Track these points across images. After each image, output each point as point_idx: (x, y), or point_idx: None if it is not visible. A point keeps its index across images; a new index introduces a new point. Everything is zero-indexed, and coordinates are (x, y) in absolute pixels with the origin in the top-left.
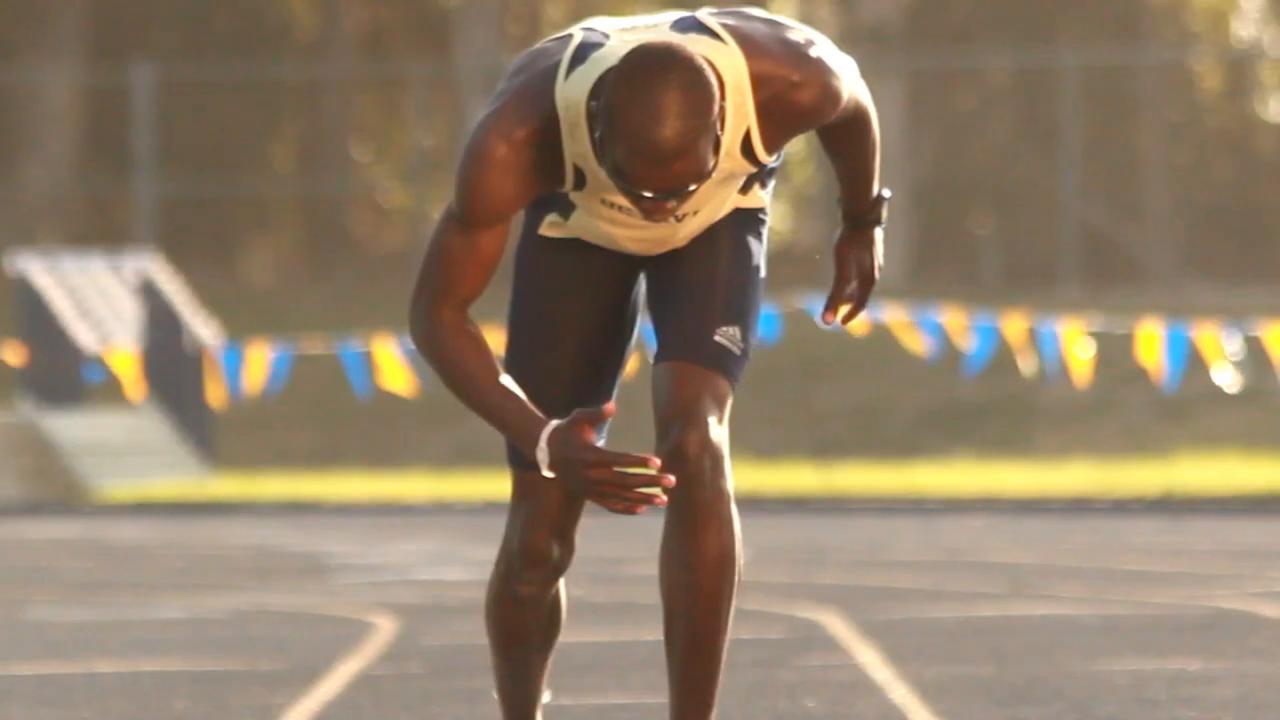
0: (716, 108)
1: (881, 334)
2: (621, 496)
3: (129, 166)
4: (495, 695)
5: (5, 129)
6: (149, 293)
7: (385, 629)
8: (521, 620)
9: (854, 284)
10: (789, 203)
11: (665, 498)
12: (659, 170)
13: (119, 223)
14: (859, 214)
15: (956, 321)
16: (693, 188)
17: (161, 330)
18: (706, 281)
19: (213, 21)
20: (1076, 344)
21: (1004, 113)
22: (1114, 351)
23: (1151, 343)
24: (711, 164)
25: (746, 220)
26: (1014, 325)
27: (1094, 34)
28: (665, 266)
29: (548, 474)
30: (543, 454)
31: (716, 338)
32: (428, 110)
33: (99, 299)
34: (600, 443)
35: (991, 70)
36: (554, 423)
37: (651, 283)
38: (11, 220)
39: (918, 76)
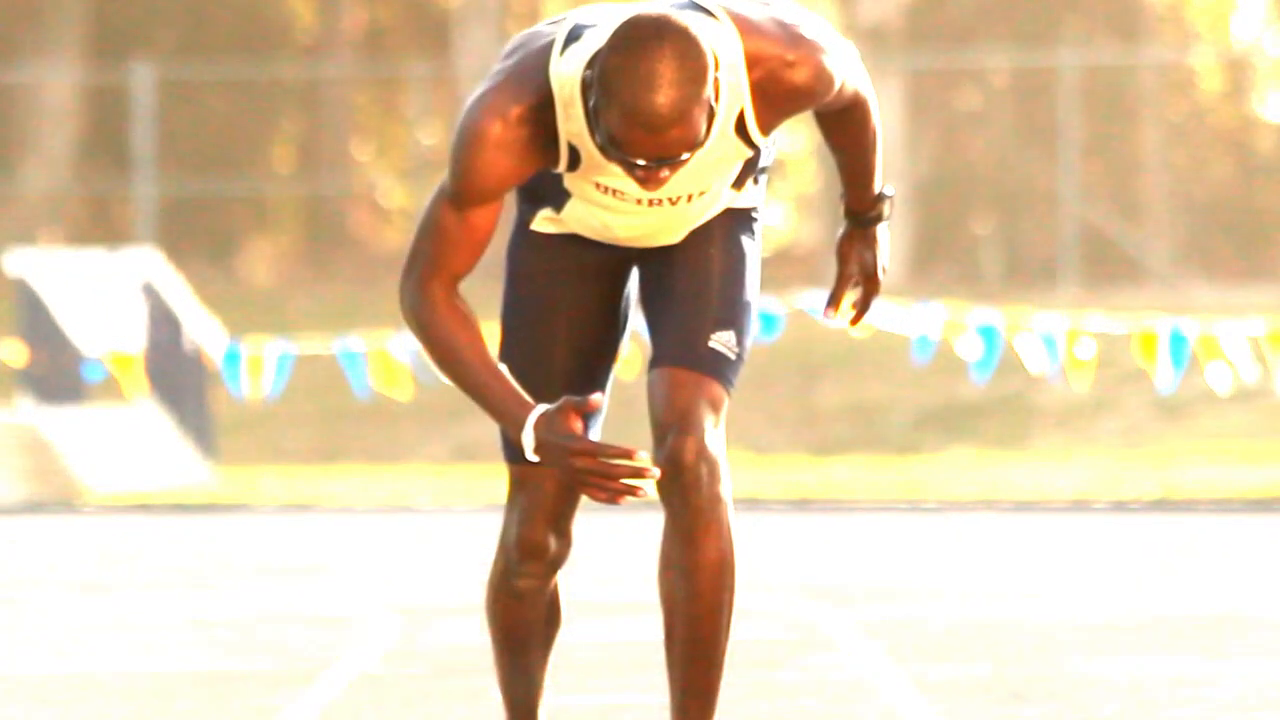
0: (710, 77)
1: (881, 333)
2: (605, 487)
3: (129, 166)
4: (499, 693)
5: (5, 129)
6: (149, 293)
7: (385, 629)
8: (521, 614)
9: (857, 283)
10: (789, 202)
11: (648, 491)
12: (653, 137)
13: (119, 223)
14: (861, 211)
15: (956, 321)
16: (685, 156)
17: (161, 330)
18: (700, 285)
19: (213, 21)
20: (1076, 344)
21: (1004, 113)
22: (1114, 351)
23: (1151, 343)
24: (704, 133)
25: (739, 221)
26: (1014, 325)
27: (1094, 34)
28: (658, 268)
29: (533, 458)
30: (528, 437)
31: (711, 343)
32: (428, 110)
33: (99, 299)
34: (596, 437)
35: (991, 70)
36: (541, 407)
37: (645, 285)
38: (11, 220)
39: (918, 76)
